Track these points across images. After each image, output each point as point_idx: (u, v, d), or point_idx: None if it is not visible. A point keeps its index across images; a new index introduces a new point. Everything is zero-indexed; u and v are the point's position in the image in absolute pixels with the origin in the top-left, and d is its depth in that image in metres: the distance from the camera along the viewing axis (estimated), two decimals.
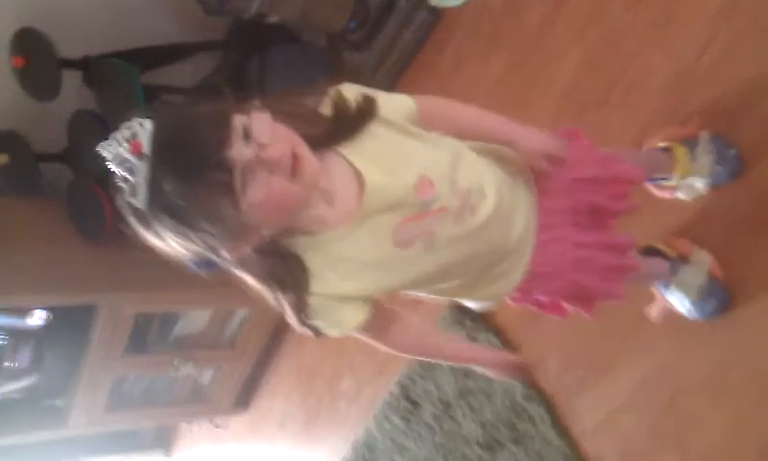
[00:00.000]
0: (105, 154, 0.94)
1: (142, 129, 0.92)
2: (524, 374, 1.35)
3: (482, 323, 2.29)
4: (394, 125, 1.11)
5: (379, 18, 2.50)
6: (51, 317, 2.69)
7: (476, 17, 2.44)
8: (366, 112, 1.09)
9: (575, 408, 2.05)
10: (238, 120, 0.94)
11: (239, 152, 0.92)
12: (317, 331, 1.10)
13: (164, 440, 3.64)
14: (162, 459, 3.68)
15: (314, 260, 1.05)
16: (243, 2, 2.22)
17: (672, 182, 1.68)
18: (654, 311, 1.80)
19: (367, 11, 2.48)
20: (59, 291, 2.54)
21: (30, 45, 2.28)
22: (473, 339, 2.31)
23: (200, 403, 3.24)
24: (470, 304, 1.38)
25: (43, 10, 2.35)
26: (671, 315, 1.76)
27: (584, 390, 2.02)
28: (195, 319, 3.04)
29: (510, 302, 1.39)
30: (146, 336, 2.92)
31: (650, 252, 1.73)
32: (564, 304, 1.42)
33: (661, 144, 1.73)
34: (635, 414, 1.89)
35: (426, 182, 1.09)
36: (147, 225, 0.96)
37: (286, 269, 1.04)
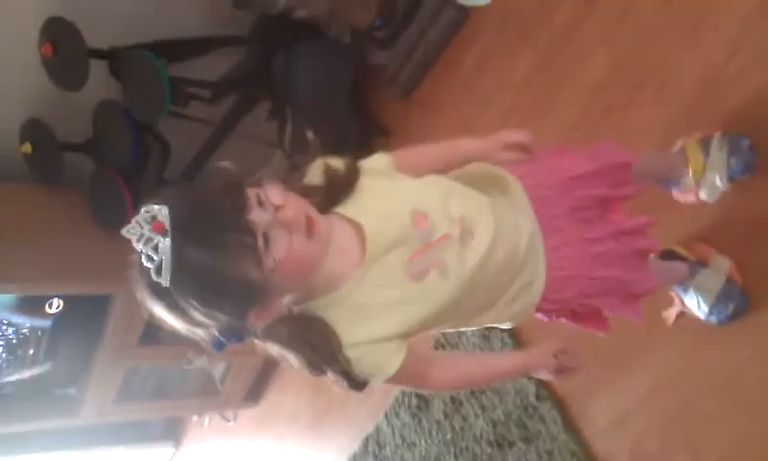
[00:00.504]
0: (129, 236, 0.97)
1: (160, 211, 0.96)
2: (579, 367, 1.29)
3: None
4: (377, 173, 1.20)
5: (406, 16, 2.52)
6: (66, 306, 2.71)
7: (504, 16, 2.44)
8: (353, 172, 1.18)
9: (587, 409, 2.05)
10: (251, 191, 1.00)
11: (258, 215, 0.98)
12: (363, 384, 1.12)
13: (174, 432, 3.66)
14: (172, 451, 3.70)
15: (338, 316, 1.09)
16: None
17: (689, 182, 1.69)
18: (671, 314, 1.81)
19: (393, 8, 2.49)
20: (76, 280, 2.56)
21: (58, 34, 2.30)
22: (485, 339, 2.31)
23: (211, 396, 3.25)
24: (503, 326, 1.39)
25: (77, 1, 2.37)
26: (688, 318, 1.77)
27: (596, 391, 2.03)
28: None
29: (543, 317, 1.39)
30: (161, 327, 2.92)
31: (669, 255, 1.74)
32: (605, 313, 1.42)
33: (676, 146, 1.75)
34: (647, 415, 1.90)
35: (420, 216, 1.16)
36: (171, 303, 0.99)
37: (314, 332, 1.08)
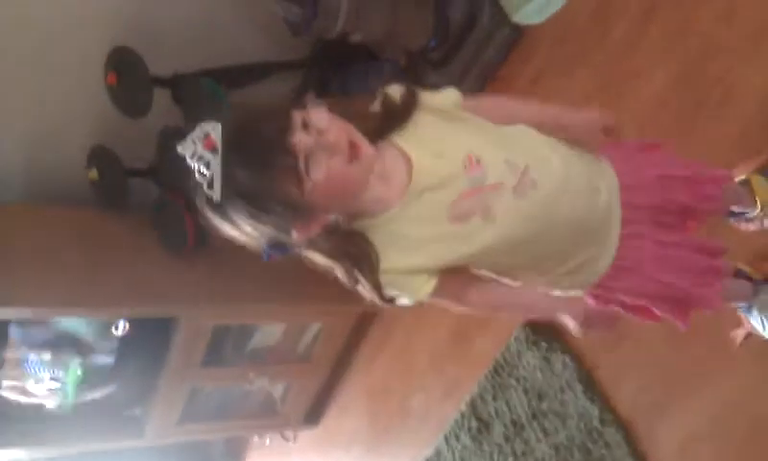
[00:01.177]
0: (183, 151, 1.04)
1: (213, 128, 1.02)
2: (608, 328, 1.30)
3: (557, 344, 2.27)
4: (439, 111, 1.20)
5: (460, 36, 2.52)
6: (132, 328, 2.76)
7: (559, 34, 2.43)
8: (410, 103, 1.18)
9: (652, 434, 2.01)
10: (297, 114, 1.03)
11: (300, 138, 1.01)
12: (391, 301, 1.17)
13: (235, 452, 3.69)
14: None
15: (376, 240, 1.13)
16: (328, 22, 2.28)
17: (757, 214, 1.67)
18: (739, 335, 1.78)
19: (447, 29, 2.50)
20: (141, 303, 2.61)
21: (123, 63, 2.37)
22: (546, 360, 2.30)
23: (271, 417, 3.26)
24: (558, 292, 1.36)
25: (136, 29, 2.44)
26: (755, 339, 1.73)
27: (662, 415, 1.98)
28: (270, 332, 3.07)
29: (591, 301, 1.37)
30: (223, 348, 2.97)
31: (735, 273, 1.70)
32: (655, 309, 1.39)
33: (740, 177, 1.71)
34: (714, 440, 1.85)
35: (474, 160, 1.16)
36: (223, 214, 1.05)
37: (354, 246, 1.12)
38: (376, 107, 1.18)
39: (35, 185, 2.71)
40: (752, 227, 1.71)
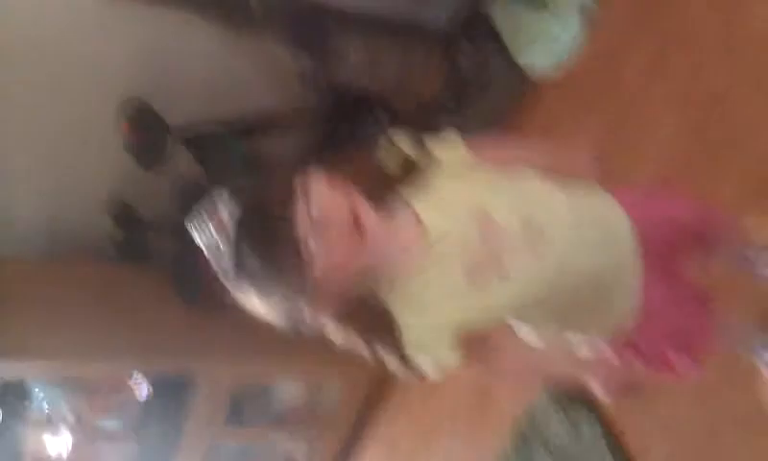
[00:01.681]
0: (193, 231, 1.06)
1: (222, 204, 1.03)
2: (634, 393, 1.35)
3: (584, 407, 2.19)
4: (448, 169, 1.19)
5: (470, 84, 2.53)
6: (153, 387, 2.75)
7: (569, 82, 2.45)
8: (425, 163, 1.18)
9: None
10: (302, 193, 1.03)
11: (302, 225, 1.01)
12: (419, 373, 1.15)
13: None
14: None
15: (396, 305, 1.12)
16: (338, 73, 2.30)
17: None
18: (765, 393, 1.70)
19: (458, 78, 2.52)
20: (158, 358, 2.62)
21: (139, 114, 2.41)
22: (573, 424, 2.22)
23: None
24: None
25: (152, 82, 2.49)
26: None
27: None
28: (291, 392, 3.05)
29: (611, 355, 1.33)
30: (243, 408, 2.95)
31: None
32: (671, 357, 1.36)
33: (754, 221, 1.66)
34: None
35: (486, 218, 1.15)
36: (239, 289, 1.06)
37: (373, 318, 1.11)
38: (389, 163, 1.17)
39: (54, 240, 2.74)
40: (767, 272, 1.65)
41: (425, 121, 2.53)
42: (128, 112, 2.39)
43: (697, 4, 2.09)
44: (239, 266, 1.02)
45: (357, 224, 1.05)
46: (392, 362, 1.13)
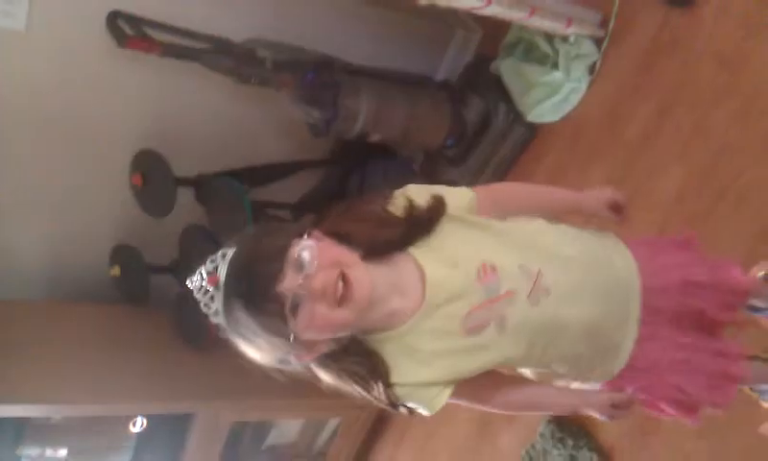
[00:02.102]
0: (191, 287, 1.11)
1: (223, 261, 1.08)
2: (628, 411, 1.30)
3: (584, 441, 2.23)
4: (455, 218, 1.18)
5: (476, 134, 2.57)
6: (148, 423, 2.75)
7: (574, 132, 2.46)
8: (437, 213, 1.17)
9: None
10: (294, 251, 1.05)
11: (288, 284, 1.04)
12: (410, 411, 1.17)
13: None
14: None
15: (391, 353, 1.13)
16: (347, 124, 2.34)
17: None
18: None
19: (464, 128, 2.55)
20: (160, 399, 2.60)
21: (148, 165, 2.43)
22: (573, 459, 2.25)
23: None
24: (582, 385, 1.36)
25: (161, 132, 2.51)
26: None
27: None
28: (288, 428, 3.04)
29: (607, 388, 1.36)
30: (239, 445, 2.93)
31: (752, 359, 1.69)
32: (665, 408, 1.38)
33: (762, 273, 1.70)
34: None
35: (488, 269, 1.15)
36: (232, 337, 1.10)
37: (365, 365, 1.13)
38: (398, 209, 1.16)
39: (58, 283, 2.75)
40: None
41: (433, 170, 2.59)
42: (140, 164, 2.42)
43: (706, 60, 2.11)
44: (230, 319, 1.06)
45: (345, 288, 1.05)
46: (381, 403, 1.14)
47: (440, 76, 2.72)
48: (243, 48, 2.25)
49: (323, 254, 1.06)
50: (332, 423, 3.01)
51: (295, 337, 1.04)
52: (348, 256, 1.08)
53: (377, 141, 2.51)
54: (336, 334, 1.09)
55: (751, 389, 1.74)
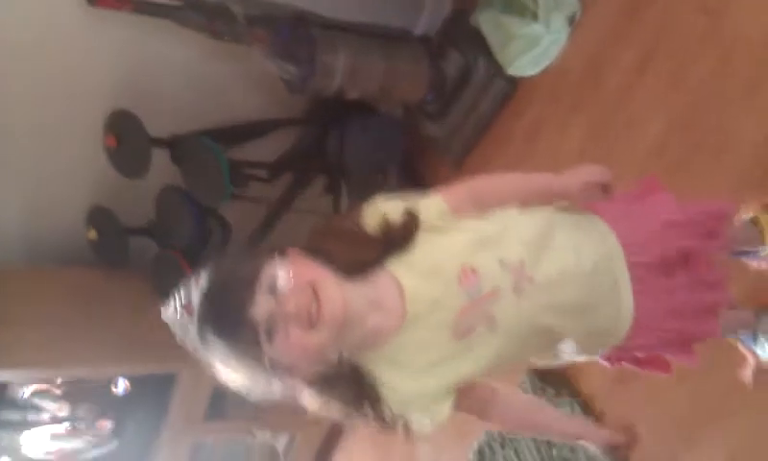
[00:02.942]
0: (166, 316, 1.09)
1: (196, 288, 1.06)
2: (628, 451, 1.35)
3: (565, 390, 2.25)
4: (428, 227, 1.16)
5: (456, 89, 2.54)
6: (132, 385, 2.75)
7: (554, 85, 2.45)
8: (412, 230, 1.15)
9: None
10: (267, 274, 1.04)
11: (261, 309, 1.02)
12: (407, 429, 1.14)
13: None
14: None
15: (381, 370, 1.12)
16: (325, 81, 2.31)
17: (766, 252, 1.66)
18: (747, 373, 1.77)
19: (443, 82, 2.52)
20: (141, 361, 2.61)
21: (122, 126, 2.39)
22: (555, 406, 2.26)
23: None
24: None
25: (134, 92, 2.47)
26: (765, 377, 1.73)
27: None
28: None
29: (606, 364, 1.38)
30: (224, 402, 2.95)
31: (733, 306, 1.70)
32: (667, 357, 1.40)
33: (747, 216, 1.71)
34: None
35: (468, 271, 1.14)
36: (213, 365, 1.08)
37: (354, 388, 1.11)
38: (372, 223, 1.15)
39: (35, 247, 2.72)
40: (764, 265, 1.70)
41: (411, 127, 2.58)
42: (113, 125, 2.37)
43: (684, 5, 2.10)
44: (204, 342, 1.04)
45: (318, 309, 1.03)
46: (375, 424, 1.12)
47: (418, 30, 2.69)
48: (215, 4, 2.20)
49: (295, 274, 1.04)
50: None
51: (272, 363, 1.03)
52: (322, 276, 1.07)
53: (355, 98, 2.48)
54: (314, 358, 1.06)
55: (732, 334, 1.76)
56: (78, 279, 2.67)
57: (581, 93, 2.36)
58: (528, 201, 1.27)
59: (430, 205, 1.19)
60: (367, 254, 1.13)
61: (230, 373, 1.06)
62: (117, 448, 2.86)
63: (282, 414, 3.04)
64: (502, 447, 2.45)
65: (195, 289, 1.05)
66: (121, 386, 2.75)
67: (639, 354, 1.39)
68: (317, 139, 2.59)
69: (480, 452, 2.51)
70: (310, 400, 1.11)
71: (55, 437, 2.71)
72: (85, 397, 2.75)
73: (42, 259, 2.73)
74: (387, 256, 1.13)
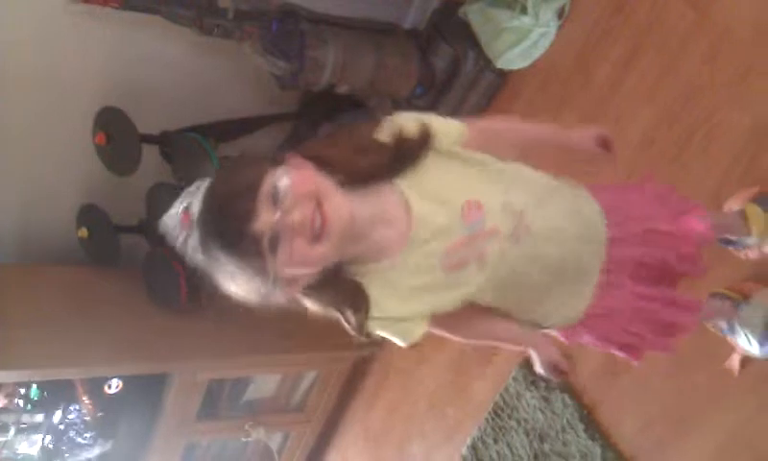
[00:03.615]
0: (164, 225, 1.07)
1: (197, 194, 1.04)
2: (561, 376, 1.34)
3: (556, 384, 2.26)
4: (442, 152, 1.15)
5: (445, 82, 2.54)
6: (124, 385, 2.74)
7: (543, 78, 2.45)
8: (424, 145, 1.13)
9: None
10: (268, 183, 1.01)
11: (264, 221, 1.00)
12: (380, 340, 1.17)
13: None
14: None
15: (373, 287, 1.12)
16: (314, 76, 2.30)
17: (753, 241, 1.68)
18: (734, 363, 1.79)
19: (433, 76, 2.52)
20: (134, 361, 2.59)
21: (111, 123, 2.38)
22: (546, 400, 2.29)
23: None
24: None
25: (124, 89, 2.46)
26: (754, 365, 1.74)
27: (664, 451, 1.98)
28: (265, 383, 3.06)
29: (562, 338, 1.40)
30: (218, 401, 2.95)
31: (714, 296, 1.75)
32: (614, 351, 1.42)
33: (736, 207, 1.73)
34: None
35: (474, 206, 1.14)
36: (211, 273, 1.07)
37: (347, 297, 1.11)
38: (386, 136, 1.13)
39: (26, 246, 2.71)
40: (751, 254, 1.72)
41: None
42: (102, 122, 2.36)
43: (674, 0, 2.10)
44: (207, 257, 1.03)
45: (322, 222, 1.01)
46: (353, 331, 1.13)
47: (407, 23, 2.69)
48: None
49: (298, 184, 1.02)
50: (310, 375, 3.03)
51: (275, 275, 1.02)
52: (326, 186, 1.04)
53: (345, 93, 2.47)
54: (317, 268, 1.06)
55: (713, 326, 1.78)
56: (69, 278, 2.66)
57: (570, 87, 2.36)
58: (537, 149, 1.29)
59: (451, 128, 1.18)
60: (377, 163, 1.11)
61: (230, 281, 1.05)
62: (110, 449, 2.86)
63: (276, 411, 3.07)
64: (495, 441, 2.45)
65: (195, 197, 1.04)
66: (113, 386, 2.74)
67: (593, 343, 1.39)
68: (307, 135, 2.58)
69: (473, 447, 2.51)
70: (308, 303, 1.12)
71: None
72: (78, 397, 2.75)
73: (33, 258, 2.72)
74: (396, 169, 1.12)
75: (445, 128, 1.17)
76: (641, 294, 1.34)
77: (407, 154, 1.12)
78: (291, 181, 1.01)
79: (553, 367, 1.32)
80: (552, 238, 1.22)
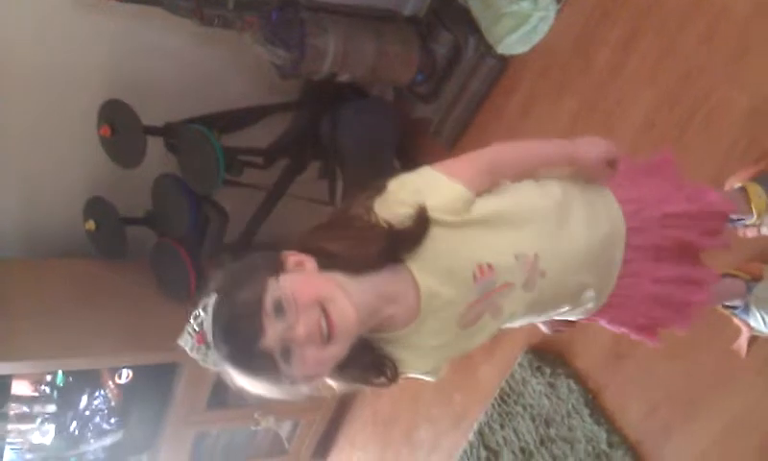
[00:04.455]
0: (183, 346, 1.09)
1: (206, 315, 1.06)
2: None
3: (561, 369, 2.27)
4: (444, 224, 1.12)
5: (446, 69, 2.54)
6: (135, 375, 2.77)
7: (544, 62, 2.45)
8: (421, 231, 1.11)
9: (661, 454, 2.00)
10: (270, 298, 1.02)
11: (271, 337, 1.01)
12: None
13: None
14: None
15: (400, 350, 1.14)
16: (315, 64, 2.31)
17: (753, 221, 1.67)
18: (742, 344, 1.78)
19: (434, 63, 2.52)
20: (144, 350, 2.62)
21: (115, 115, 2.40)
22: (551, 386, 2.29)
23: (279, 456, 3.26)
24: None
25: (127, 81, 2.47)
26: (760, 347, 1.73)
27: (670, 435, 1.98)
28: None
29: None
30: (226, 391, 2.97)
31: (725, 276, 1.73)
32: (629, 332, 1.42)
33: (737, 185, 1.72)
34: (724, 457, 1.84)
35: (484, 268, 1.13)
36: (238, 383, 1.08)
37: (372, 372, 1.13)
38: (385, 214, 1.10)
39: (34, 240, 2.74)
40: (749, 233, 1.72)
41: (404, 108, 2.56)
42: (107, 114, 2.38)
43: None
44: (225, 371, 1.05)
45: (329, 326, 1.01)
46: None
47: (407, 10, 2.68)
48: None
49: (300, 294, 1.02)
50: None
51: (292, 380, 1.03)
52: (328, 289, 1.04)
53: (346, 81, 2.48)
54: (333, 365, 1.06)
55: (723, 306, 1.77)
56: (78, 271, 2.69)
57: (570, 70, 2.36)
58: (544, 169, 1.27)
59: (454, 201, 1.14)
60: (376, 254, 1.09)
61: (256, 388, 1.06)
62: (121, 439, 2.88)
63: (285, 402, 3.06)
64: (501, 427, 2.46)
65: (205, 317, 1.05)
66: (124, 376, 2.77)
67: (608, 327, 1.41)
68: (310, 123, 2.59)
69: (480, 433, 2.52)
70: (335, 385, 1.13)
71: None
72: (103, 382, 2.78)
73: (41, 252, 2.74)
74: (395, 255, 1.11)
75: (446, 204, 1.13)
76: (660, 278, 1.33)
77: (406, 243, 1.11)
78: (292, 291, 1.02)
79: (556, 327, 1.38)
80: (568, 269, 1.22)
